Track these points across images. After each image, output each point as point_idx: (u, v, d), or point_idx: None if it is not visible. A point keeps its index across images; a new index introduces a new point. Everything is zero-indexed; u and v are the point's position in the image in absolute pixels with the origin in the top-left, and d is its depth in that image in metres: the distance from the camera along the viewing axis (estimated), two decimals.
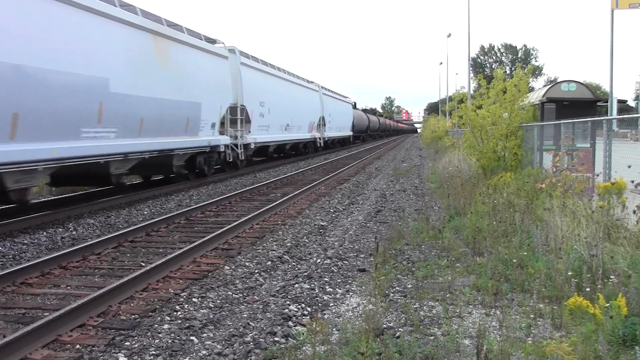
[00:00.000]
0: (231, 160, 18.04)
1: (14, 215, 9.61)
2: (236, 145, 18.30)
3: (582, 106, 13.44)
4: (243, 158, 18.90)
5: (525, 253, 5.94)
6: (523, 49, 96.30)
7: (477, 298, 5.20)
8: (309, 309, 5.07)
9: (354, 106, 52.86)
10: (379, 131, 73.59)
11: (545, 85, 20.53)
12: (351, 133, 46.71)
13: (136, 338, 4.40)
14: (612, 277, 4.65)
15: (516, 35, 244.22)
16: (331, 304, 5.24)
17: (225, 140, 17.26)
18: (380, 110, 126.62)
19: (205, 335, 4.46)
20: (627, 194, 6.19)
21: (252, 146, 20.09)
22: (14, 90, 8.40)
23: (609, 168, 7.85)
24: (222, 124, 17.43)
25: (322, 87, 35.33)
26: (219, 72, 16.87)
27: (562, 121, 10.60)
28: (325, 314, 4.95)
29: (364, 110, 64.94)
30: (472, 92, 27.83)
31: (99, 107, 10.54)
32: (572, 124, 10.17)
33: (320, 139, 33.50)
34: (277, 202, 11.33)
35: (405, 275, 6.14)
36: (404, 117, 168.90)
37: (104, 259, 7.09)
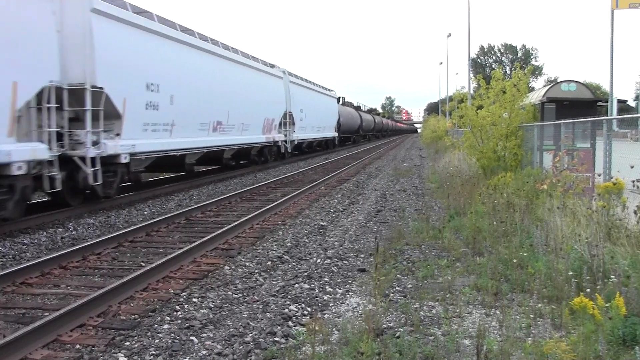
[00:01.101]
0: (52, 189, 9.66)
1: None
2: (82, 161, 10.17)
3: (582, 106, 13.44)
4: (93, 182, 10.27)
5: (525, 253, 5.93)
6: (523, 49, 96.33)
7: (477, 298, 5.20)
8: (309, 309, 5.07)
9: (342, 102, 45.17)
10: (374, 131, 65.97)
11: (545, 85, 20.52)
12: (336, 134, 38.66)
13: (136, 338, 4.40)
14: (612, 277, 4.65)
15: (516, 35, 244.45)
16: (331, 304, 5.24)
17: (22, 152, 8.79)
18: (381, 110, 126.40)
19: (205, 335, 4.46)
20: (627, 193, 6.18)
21: (125, 159, 11.41)
22: None
23: (609, 168, 7.85)
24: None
25: (290, 73, 26.41)
26: None
27: (562, 121, 10.59)
28: (325, 314, 4.95)
29: (357, 108, 56.48)
30: (472, 92, 27.84)
31: None
32: (572, 124, 10.17)
33: (286, 142, 24.91)
34: (277, 202, 11.33)
35: (405, 275, 6.14)
36: (404, 117, 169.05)
37: (104, 259, 7.09)
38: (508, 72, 71.57)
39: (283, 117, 24.80)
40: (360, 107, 61.13)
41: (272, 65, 23.99)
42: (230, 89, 17.79)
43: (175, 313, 4.98)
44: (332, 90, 38.10)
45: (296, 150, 28.32)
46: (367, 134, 60.89)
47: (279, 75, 24.52)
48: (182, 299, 5.39)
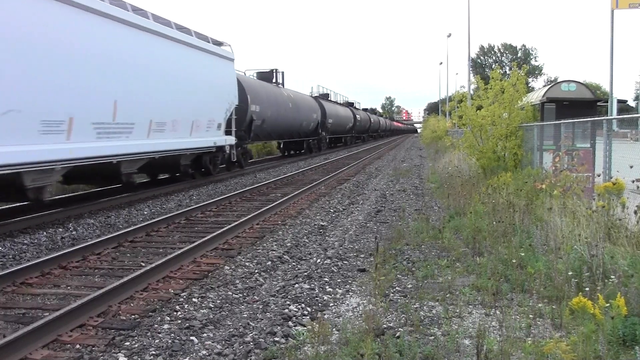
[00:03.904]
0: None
1: (14, 215, 9.61)
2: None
3: (582, 106, 13.43)
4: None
5: (525, 253, 5.93)
6: (522, 49, 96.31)
7: (477, 298, 5.20)
8: (309, 309, 5.07)
9: (278, 81, 28.07)
10: (355, 132, 48.10)
11: (545, 85, 20.51)
12: (232, 140, 17.65)
13: (136, 338, 4.40)
14: (612, 277, 4.65)
15: (516, 35, 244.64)
16: (331, 304, 5.24)
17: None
18: (380, 110, 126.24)
19: (205, 335, 4.46)
20: (627, 194, 6.18)
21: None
22: None
23: (609, 168, 7.85)
24: None
25: None
26: None
27: (562, 121, 10.60)
28: (325, 314, 4.95)
29: (323, 96, 39.11)
30: (471, 92, 27.82)
31: None
32: (572, 124, 10.17)
33: None
34: (277, 202, 11.33)
35: (405, 275, 6.14)
36: (404, 117, 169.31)
37: (104, 259, 7.09)
38: (508, 72, 71.50)
39: None
40: (328, 95, 41.60)
41: None
42: None
43: (175, 313, 4.98)
44: (222, 45, 17.18)
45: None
46: (343, 136, 43.49)
47: None
48: (182, 299, 5.39)
